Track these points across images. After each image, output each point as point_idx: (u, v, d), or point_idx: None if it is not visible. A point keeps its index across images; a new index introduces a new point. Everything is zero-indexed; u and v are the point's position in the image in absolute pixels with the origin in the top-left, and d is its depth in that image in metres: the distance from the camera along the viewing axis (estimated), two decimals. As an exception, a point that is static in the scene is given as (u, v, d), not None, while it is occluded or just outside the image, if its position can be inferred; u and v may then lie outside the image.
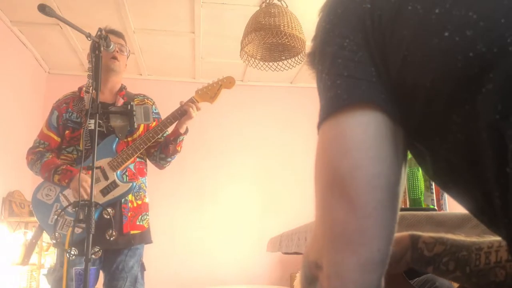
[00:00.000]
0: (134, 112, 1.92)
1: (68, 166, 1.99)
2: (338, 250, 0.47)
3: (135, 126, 2.04)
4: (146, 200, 2.14)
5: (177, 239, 4.18)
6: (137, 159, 2.10)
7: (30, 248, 2.03)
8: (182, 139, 2.12)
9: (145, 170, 2.17)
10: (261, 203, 4.35)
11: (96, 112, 1.69)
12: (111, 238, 1.72)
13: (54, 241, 1.72)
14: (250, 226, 4.26)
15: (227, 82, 2.14)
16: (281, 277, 4.22)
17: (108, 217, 1.75)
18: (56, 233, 1.81)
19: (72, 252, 1.62)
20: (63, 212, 1.87)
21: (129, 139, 2.08)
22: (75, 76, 4.24)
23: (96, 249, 1.58)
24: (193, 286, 4.02)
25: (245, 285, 4.00)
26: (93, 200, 1.59)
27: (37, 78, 4.18)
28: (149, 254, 2.48)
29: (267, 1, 2.73)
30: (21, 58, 3.85)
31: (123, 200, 2.01)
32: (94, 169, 1.63)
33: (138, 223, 2.06)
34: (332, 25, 0.52)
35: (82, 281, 1.53)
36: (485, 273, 0.63)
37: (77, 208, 1.58)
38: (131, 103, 1.99)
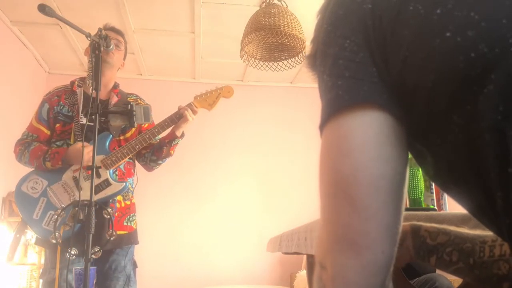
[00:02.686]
0: (134, 112, 1.92)
1: (54, 148, 1.96)
2: (342, 252, 0.47)
3: (135, 126, 2.04)
4: (133, 200, 2.13)
5: (175, 239, 4.17)
6: (127, 159, 2.09)
7: (14, 243, 1.98)
8: (177, 143, 2.11)
9: (132, 170, 2.15)
10: (261, 203, 4.35)
11: (96, 111, 1.69)
12: (111, 238, 1.72)
13: (54, 241, 1.72)
14: (249, 226, 4.26)
15: (226, 91, 2.15)
16: (281, 277, 4.22)
17: (108, 216, 1.75)
18: (57, 233, 1.80)
19: (72, 252, 1.62)
20: (63, 212, 1.86)
21: (121, 137, 2.07)
22: (75, 76, 4.17)
23: (96, 249, 1.58)
24: (192, 286, 4.02)
25: (245, 285, 3.99)
26: (93, 200, 1.59)
27: (37, 78, 4.18)
28: (147, 254, 2.50)
29: (267, 1, 2.72)
30: (21, 58, 3.84)
31: (111, 199, 1.99)
32: (94, 169, 1.63)
33: (125, 223, 2.04)
34: (333, 27, 0.52)
35: (82, 281, 1.53)
36: (488, 265, 0.63)
37: (77, 208, 1.58)
38: (131, 103, 1.98)
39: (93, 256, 1.55)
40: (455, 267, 0.66)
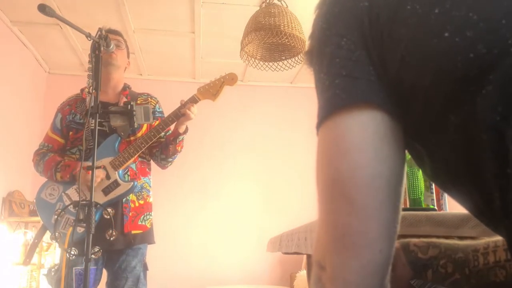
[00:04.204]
0: (134, 112, 1.92)
1: (66, 161, 2.00)
2: (340, 252, 0.47)
3: (135, 126, 2.04)
4: (150, 200, 2.13)
5: (177, 239, 4.17)
6: (139, 159, 2.10)
7: (32, 248, 2.02)
8: (182, 139, 2.12)
9: (147, 169, 2.16)
10: (261, 203, 4.35)
11: (96, 112, 1.69)
12: (111, 238, 1.72)
13: (55, 241, 1.72)
14: (250, 226, 4.26)
15: (229, 79, 2.12)
16: (281, 277, 4.22)
17: (108, 217, 1.75)
18: (57, 233, 1.81)
19: (72, 252, 1.62)
20: (63, 212, 1.87)
21: (132, 138, 2.08)
22: (75, 76, 4.24)
23: (96, 249, 1.58)
24: (193, 285, 4.02)
25: (245, 285, 3.99)
26: (93, 200, 1.59)
27: (37, 78, 4.18)
28: (150, 253, 2.49)
29: (267, 1, 2.73)
30: (21, 58, 3.84)
31: (124, 199, 2.00)
32: (94, 169, 1.63)
33: (139, 223, 2.05)
34: (329, 25, 0.51)
35: (82, 281, 1.53)
36: (485, 273, 0.63)
37: (77, 208, 1.58)
38: (131, 103, 1.98)
39: (92, 256, 1.55)
40: (452, 279, 0.66)
